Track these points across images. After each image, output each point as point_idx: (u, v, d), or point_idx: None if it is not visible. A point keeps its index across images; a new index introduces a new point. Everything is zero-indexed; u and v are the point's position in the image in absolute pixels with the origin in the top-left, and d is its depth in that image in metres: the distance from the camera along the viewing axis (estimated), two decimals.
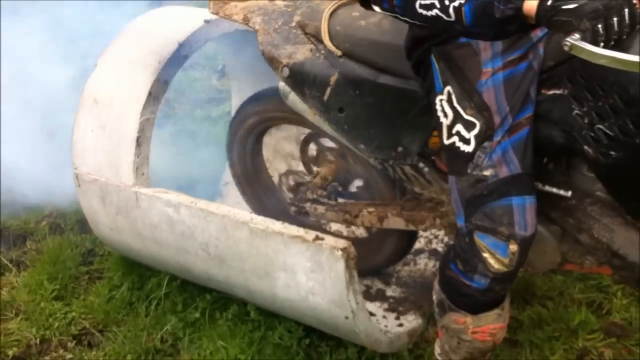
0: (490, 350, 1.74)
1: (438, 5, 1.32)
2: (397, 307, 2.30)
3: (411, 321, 2.23)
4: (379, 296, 2.35)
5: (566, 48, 1.15)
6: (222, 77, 3.74)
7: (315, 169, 2.29)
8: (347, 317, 1.89)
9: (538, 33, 1.55)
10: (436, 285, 1.75)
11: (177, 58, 2.26)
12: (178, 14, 2.52)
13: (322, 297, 1.89)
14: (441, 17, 1.33)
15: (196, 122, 3.35)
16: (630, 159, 1.46)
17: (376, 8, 1.43)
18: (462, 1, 1.29)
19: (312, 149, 2.32)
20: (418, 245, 2.47)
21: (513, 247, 1.55)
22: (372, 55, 1.82)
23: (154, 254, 2.28)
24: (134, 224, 2.23)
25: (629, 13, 1.14)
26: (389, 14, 1.42)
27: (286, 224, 1.94)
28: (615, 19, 1.13)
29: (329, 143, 2.27)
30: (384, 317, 2.26)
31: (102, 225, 2.36)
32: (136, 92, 2.22)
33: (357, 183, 2.27)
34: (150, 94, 2.20)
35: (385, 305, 2.32)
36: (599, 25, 1.13)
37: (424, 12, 1.34)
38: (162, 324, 2.31)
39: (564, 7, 1.17)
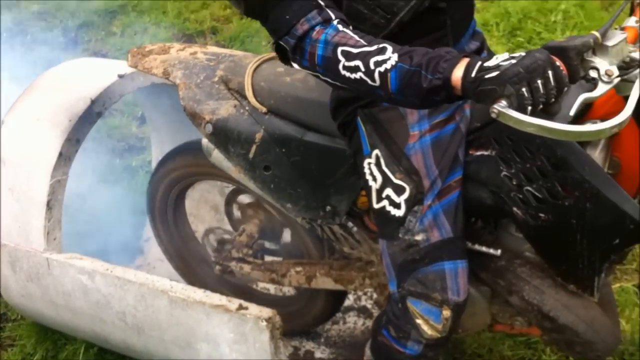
0: None
1: (363, 69, 1.26)
2: None
3: None
4: (308, 358, 2.27)
5: (494, 116, 1.12)
6: (142, 124, 3.60)
7: (240, 226, 2.20)
8: None
9: None
10: (367, 351, 1.70)
11: (90, 115, 2.13)
12: (90, 68, 2.40)
13: None
14: (365, 81, 1.27)
15: (115, 172, 3.20)
16: (559, 222, 1.46)
17: (295, 65, 1.36)
18: (389, 67, 1.24)
19: (238, 204, 2.24)
20: (347, 302, 2.40)
21: (446, 312, 1.51)
22: (298, 113, 1.76)
23: (69, 323, 2.14)
24: (47, 292, 2.08)
25: (554, 75, 1.11)
26: (310, 72, 1.36)
27: (208, 293, 1.84)
28: (539, 81, 1.10)
29: (254, 200, 2.20)
30: None
31: (13, 292, 2.20)
32: (46, 152, 2.07)
33: (285, 241, 2.20)
34: (61, 154, 2.06)
35: None
36: (523, 89, 1.10)
37: (347, 74, 1.28)
38: None
39: (486, 76, 1.13)
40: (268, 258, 2.19)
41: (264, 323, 1.71)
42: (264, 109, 1.80)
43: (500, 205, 1.53)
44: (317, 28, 1.31)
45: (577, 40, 1.17)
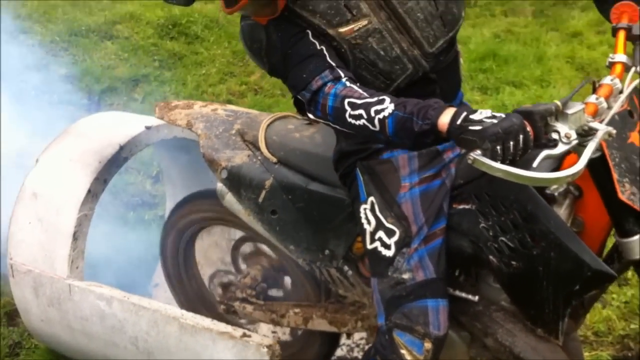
0: None
1: (365, 117, 1.50)
2: None
3: None
4: None
5: (469, 161, 1.35)
6: (156, 182, 3.84)
7: (245, 269, 2.40)
8: None
9: (450, 155, 1.77)
10: None
11: (117, 159, 2.38)
12: (120, 119, 2.68)
13: None
14: (367, 127, 1.50)
15: (128, 224, 3.42)
16: (528, 269, 1.66)
17: (310, 115, 1.61)
18: (386, 114, 1.48)
19: (244, 251, 2.45)
20: (340, 352, 2.58)
21: (428, 345, 1.70)
22: (305, 164, 2.00)
23: (83, 347, 2.31)
24: (65, 316, 2.27)
25: (523, 139, 1.35)
26: (322, 121, 1.60)
27: (215, 321, 2.04)
28: (512, 142, 1.34)
29: (259, 246, 2.41)
30: None
31: (33, 316, 2.39)
32: (75, 188, 2.32)
33: (285, 284, 2.40)
34: (89, 191, 2.30)
35: None
36: (498, 147, 1.34)
37: (353, 122, 1.52)
38: None
39: (470, 127, 1.37)
40: (269, 300, 2.38)
41: (265, 349, 1.90)
42: (275, 160, 2.04)
43: (478, 254, 1.74)
44: (329, 84, 1.57)
45: (542, 107, 1.42)
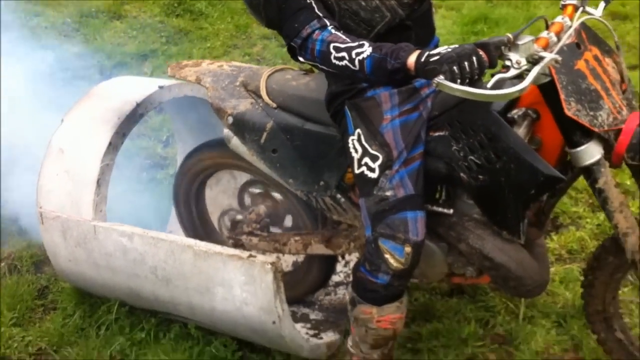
0: (392, 338, 2.12)
1: (347, 58, 1.79)
2: (318, 327, 2.67)
3: (330, 336, 2.59)
4: (304, 319, 2.72)
5: (434, 85, 1.62)
6: (166, 146, 4.13)
7: (250, 208, 2.69)
8: (274, 322, 2.24)
9: (426, 91, 2.04)
10: (349, 288, 2.15)
11: (134, 115, 2.65)
12: (135, 81, 2.95)
13: (254, 305, 2.25)
14: (349, 67, 1.79)
15: (142, 182, 3.71)
16: (493, 181, 1.94)
17: (301, 59, 1.89)
18: (365, 56, 1.77)
19: (249, 193, 2.73)
20: (337, 278, 2.87)
21: (408, 249, 1.98)
22: (301, 108, 2.27)
23: (107, 281, 2.59)
24: (91, 254, 2.55)
25: (477, 60, 1.62)
26: (311, 63, 1.88)
27: (225, 247, 2.33)
28: (466, 63, 1.61)
29: (263, 188, 2.69)
30: (307, 333, 2.61)
31: (61, 258, 2.67)
32: (98, 142, 2.58)
33: (286, 218, 2.68)
34: (110, 143, 2.57)
35: (309, 325, 2.68)
36: (454, 68, 1.61)
37: (337, 62, 1.81)
38: (111, 344, 2.60)
39: (431, 59, 1.65)
40: (272, 231, 2.66)
41: (269, 266, 2.18)
42: (274, 105, 2.31)
43: (451, 173, 2.01)
44: (317, 31, 1.85)
45: (495, 38, 1.68)
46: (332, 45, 1.82)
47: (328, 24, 1.86)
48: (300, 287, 2.74)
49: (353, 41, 1.81)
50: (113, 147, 2.59)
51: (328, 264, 2.71)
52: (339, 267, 2.89)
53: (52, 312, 2.84)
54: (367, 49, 1.77)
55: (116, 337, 2.62)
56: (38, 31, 5.36)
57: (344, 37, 1.83)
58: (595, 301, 2.21)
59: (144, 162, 3.97)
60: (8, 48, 4.36)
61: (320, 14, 1.88)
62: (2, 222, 3.27)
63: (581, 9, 1.92)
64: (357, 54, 1.78)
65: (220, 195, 3.03)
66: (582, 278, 2.32)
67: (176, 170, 2.91)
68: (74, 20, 5.66)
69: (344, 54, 1.80)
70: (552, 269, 2.77)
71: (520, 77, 1.66)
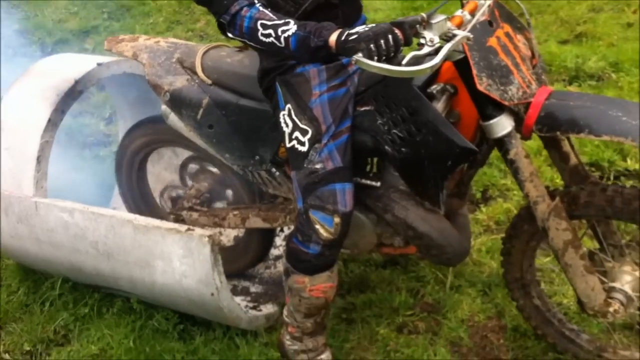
0: (324, 307, 2.23)
1: (273, 35, 1.88)
2: (258, 299, 2.77)
3: (269, 308, 2.70)
4: (244, 292, 2.82)
5: (353, 62, 1.72)
6: (109, 123, 4.16)
7: (191, 184, 2.76)
8: (212, 294, 2.33)
9: (353, 67, 2.13)
10: (283, 259, 2.25)
11: (73, 92, 2.70)
12: (74, 59, 2.98)
13: (192, 278, 2.34)
14: (275, 43, 1.89)
15: (86, 159, 3.74)
16: (414, 153, 2.04)
17: (230, 35, 1.97)
18: (290, 33, 1.86)
19: (190, 169, 2.80)
20: (277, 252, 2.97)
21: (337, 219, 2.08)
22: (235, 84, 2.35)
23: (49, 256, 2.65)
24: (33, 230, 2.60)
25: (393, 39, 1.72)
26: (239, 39, 1.96)
27: (164, 221, 2.40)
28: (382, 41, 1.71)
29: (203, 165, 2.76)
30: (247, 306, 2.72)
31: (4, 234, 2.71)
32: (37, 119, 2.63)
33: (225, 194, 2.76)
34: (49, 120, 2.62)
35: (249, 298, 2.78)
36: (371, 46, 1.71)
37: (264, 39, 1.90)
38: (55, 319, 2.67)
39: (350, 38, 1.75)
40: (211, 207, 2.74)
41: (207, 239, 2.26)
42: (210, 82, 2.38)
43: (377, 146, 2.11)
44: (245, 8, 1.93)
45: (410, 17, 1.78)
46: (259, 22, 1.91)
47: (256, 1, 1.95)
48: (241, 260, 2.84)
49: (279, 19, 1.90)
50: (52, 123, 2.64)
51: (267, 238, 2.81)
52: (279, 241, 2.99)
53: None
54: (292, 27, 1.87)
55: (60, 312, 2.69)
56: None
57: (270, 14, 1.91)
58: (514, 269, 2.34)
59: (87, 140, 4.01)
60: None
61: None
62: None
63: None
64: (283, 32, 1.87)
65: (163, 172, 3.09)
66: None
67: (118, 145, 2.96)
68: None
69: (271, 31, 1.89)
70: (479, 240, 2.93)
71: (435, 54, 1.77)
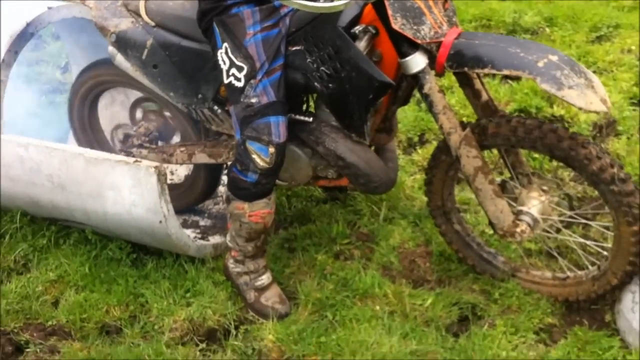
0: (263, 232, 2.45)
1: None
2: (207, 232, 2.98)
3: (217, 239, 2.91)
4: (193, 225, 3.03)
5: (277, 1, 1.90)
6: (64, 72, 4.27)
7: (140, 122, 2.94)
8: (160, 222, 2.53)
9: (285, 10, 2.31)
10: (225, 189, 2.46)
11: (25, 34, 2.84)
12: (25, 3, 3.10)
13: (142, 207, 2.53)
14: None
15: (42, 105, 3.88)
16: (340, 88, 2.25)
17: None
18: None
19: (139, 109, 2.97)
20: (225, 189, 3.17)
21: (272, 149, 2.29)
22: (177, 26, 2.52)
23: (8, 190, 2.81)
24: None
25: None
26: None
27: (113, 154, 2.58)
28: None
29: (151, 105, 2.94)
30: (195, 237, 2.93)
31: None
32: None
33: (172, 132, 2.95)
34: (3, 60, 2.76)
35: (198, 231, 2.99)
36: None
37: None
38: (15, 250, 2.84)
39: None
40: (160, 144, 2.93)
41: (153, 169, 2.45)
42: (153, 24, 2.55)
43: (307, 82, 2.31)
44: None
45: None
46: None
47: None
48: (191, 197, 3.04)
49: None
50: (6, 64, 2.78)
51: (214, 175, 3.01)
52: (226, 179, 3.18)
53: None
54: None
55: (19, 244, 2.86)
56: None
57: None
58: (435, 197, 2.58)
59: (43, 87, 4.13)
60: None
61: None
62: None
63: None
64: None
65: (114, 114, 3.25)
66: None
67: (70, 88, 3.11)
68: None
69: None
70: (413, 178, 3.18)
71: None
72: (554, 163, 2.93)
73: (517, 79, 3.71)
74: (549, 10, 4.51)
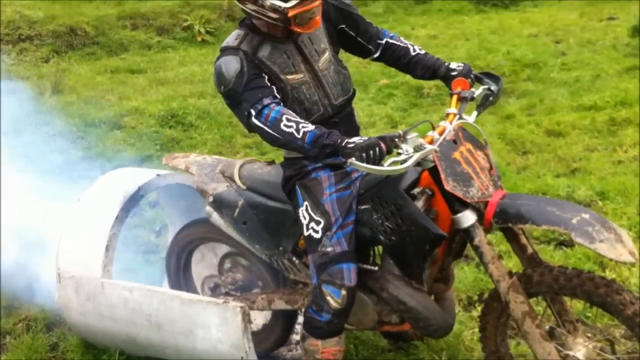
0: None
1: (294, 127, 2.52)
2: None
3: None
4: None
5: (349, 164, 2.35)
6: (158, 236, 4.81)
7: (228, 274, 3.36)
8: (242, 358, 2.86)
9: (356, 175, 2.77)
10: (301, 328, 2.80)
11: (137, 195, 3.36)
12: (138, 171, 3.69)
13: (227, 343, 2.88)
14: (294, 134, 2.52)
15: (138, 263, 4.37)
16: (401, 240, 2.63)
17: (255, 121, 2.58)
18: (308, 130, 2.51)
19: (227, 262, 3.40)
20: (297, 337, 3.49)
21: (344, 292, 2.65)
22: (264, 189, 3.00)
23: (109, 330, 3.21)
24: (98, 306, 3.18)
25: (379, 150, 2.36)
26: (261, 127, 2.57)
27: (204, 296, 2.98)
28: (371, 151, 2.35)
29: (238, 259, 3.37)
30: None
31: (73, 310, 3.29)
32: (107, 215, 3.28)
33: (256, 282, 3.34)
34: (117, 217, 3.27)
35: None
36: (363, 154, 2.34)
37: (285, 129, 2.53)
38: None
39: (348, 146, 2.39)
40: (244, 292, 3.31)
41: (239, 309, 2.83)
42: (244, 187, 3.04)
43: (373, 236, 2.71)
44: (273, 104, 2.58)
45: (390, 134, 2.43)
46: (284, 116, 2.56)
47: (281, 103, 2.61)
48: (267, 342, 3.37)
49: (301, 118, 2.56)
50: (119, 220, 3.29)
51: (289, 323, 3.35)
52: (299, 328, 3.51)
53: None
54: (310, 126, 2.53)
55: None
56: (47, 138, 6.12)
57: (293, 114, 2.58)
58: (489, 342, 2.84)
59: (139, 248, 4.65)
60: (21, 152, 5.11)
61: (278, 96, 2.63)
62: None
63: (458, 116, 2.68)
64: (303, 127, 2.53)
65: (204, 265, 3.70)
66: None
67: (168, 245, 3.59)
68: (79, 129, 6.47)
69: (293, 124, 2.54)
70: (472, 331, 3.42)
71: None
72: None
73: (571, 245, 3.99)
74: (600, 185, 4.87)
